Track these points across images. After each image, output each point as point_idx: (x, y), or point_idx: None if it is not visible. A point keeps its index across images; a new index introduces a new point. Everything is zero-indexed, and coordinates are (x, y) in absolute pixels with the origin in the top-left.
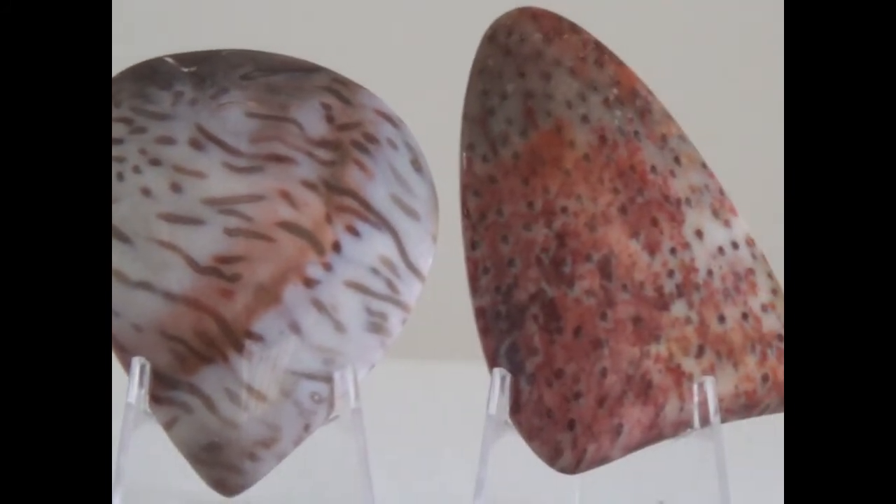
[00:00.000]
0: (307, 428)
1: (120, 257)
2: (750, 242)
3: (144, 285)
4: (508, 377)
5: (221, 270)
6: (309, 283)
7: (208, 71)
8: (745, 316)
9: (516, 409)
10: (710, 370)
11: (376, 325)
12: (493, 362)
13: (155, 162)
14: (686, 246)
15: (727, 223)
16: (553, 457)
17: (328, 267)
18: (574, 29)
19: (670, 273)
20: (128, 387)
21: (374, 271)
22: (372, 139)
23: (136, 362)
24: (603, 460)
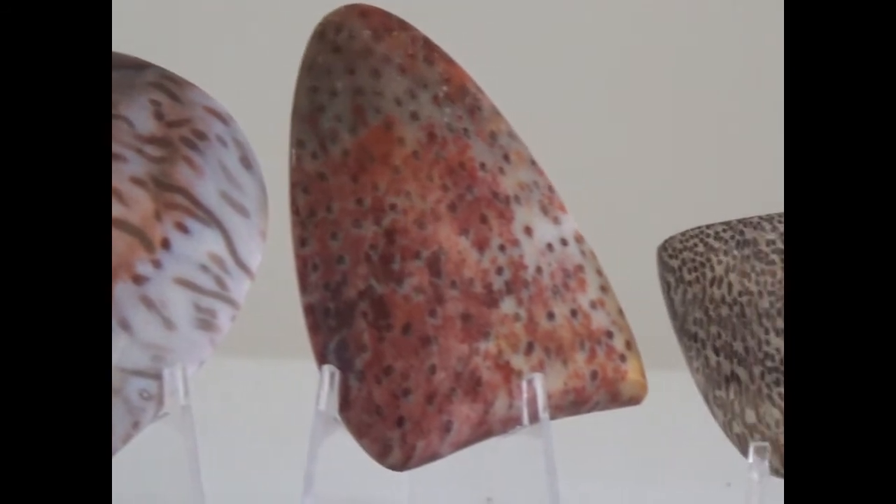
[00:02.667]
0: (136, 425)
1: None
2: (579, 239)
3: None
4: (337, 374)
5: None
6: (138, 279)
7: None
8: (574, 313)
9: (345, 405)
10: (539, 367)
11: (205, 322)
12: (322, 359)
13: None
14: (515, 243)
15: (556, 220)
16: (382, 454)
17: (157, 264)
18: (403, 26)
19: (499, 270)
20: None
21: (204, 268)
22: (201, 136)
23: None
24: (432, 457)
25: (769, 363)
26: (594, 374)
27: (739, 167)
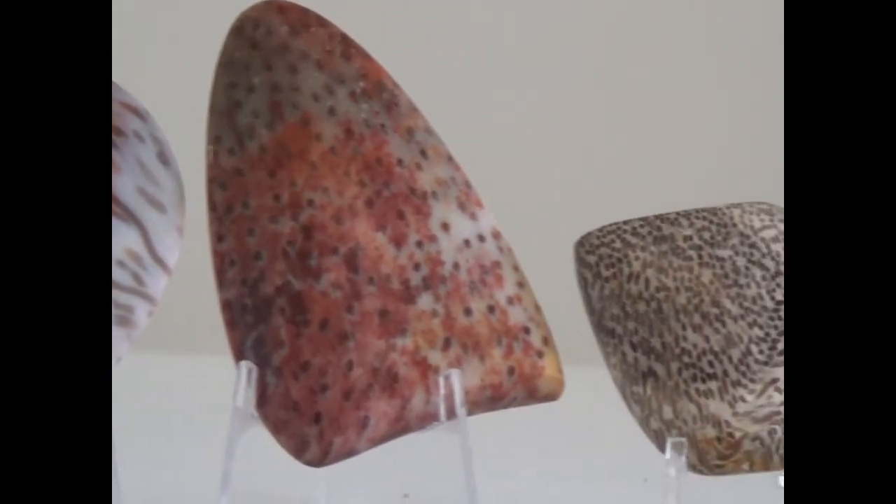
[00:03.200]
0: None
1: None
2: (496, 235)
3: None
4: (255, 370)
5: None
6: None
7: None
8: (491, 309)
9: (263, 401)
10: (457, 363)
11: (122, 318)
12: (239, 355)
13: None
14: (432, 239)
15: (473, 216)
16: (300, 450)
17: None
18: (321, 22)
19: (417, 266)
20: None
21: (121, 264)
22: (118, 132)
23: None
24: (349, 453)
25: (686, 359)
26: (511, 370)
27: (656, 163)
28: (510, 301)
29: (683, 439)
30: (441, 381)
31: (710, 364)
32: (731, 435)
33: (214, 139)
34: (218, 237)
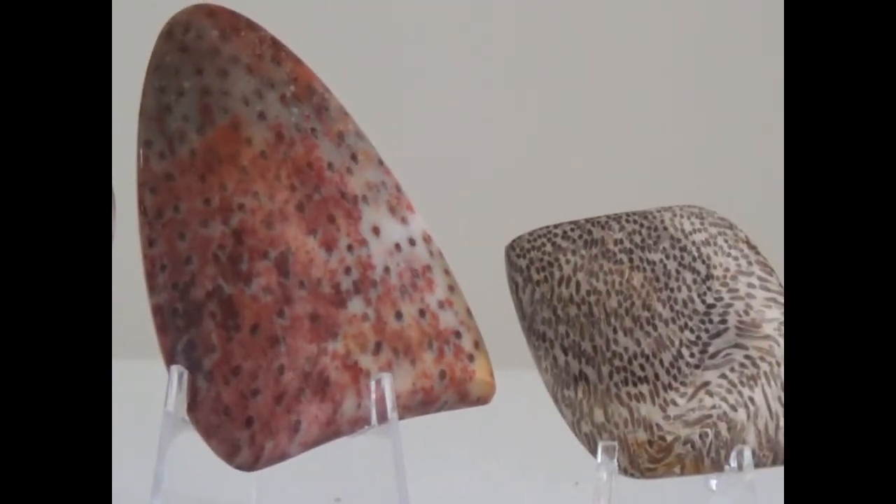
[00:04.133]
0: None
1: None
2: (427, 239)
3: None
4: (186, 374)
5: None
6: None
7: None
8: (422, 313)
9: (194, 406)
10: (388, 367)
11: None
12: (170, 360)
13: None
14: (363, 243)
15: (404, 220)
16: (231, 454)
17: None
18: (251, 26)
19: (347, 270)
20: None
21: None
22: None
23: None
24: (281, 457)
25: (617, 362)
26: (442, 374)
27: (587, 166)
28: (441, 305)
29: (615, 443)
30: (372, 385)
31: (642, 367)
32: (662, 438)
33: (145, 143)
34: (149, 241)
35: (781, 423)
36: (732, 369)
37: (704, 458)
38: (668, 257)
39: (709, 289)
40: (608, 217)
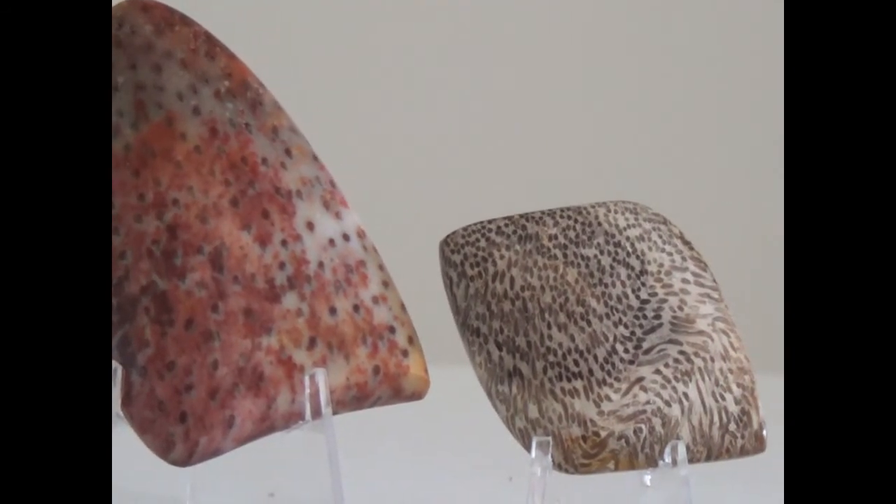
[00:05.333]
0: None
1: None
2: (361, 234)
3: None
4: (120, 370)
5: None
6: None
7: None
8: (356, 308)
9: (128, 401)
10: (322, 362)
11: None
12: None
13: None
14: (297, 238)
15: (338, 215)
16: (165, 449)
17: None
18: (185, 21)
19: (281, 265)
20: None
21: None
22: None
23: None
24: (215, 452)
25: (552, 358)
26: (376, 370)
27: (521, 162)
28: (375, 300)
29: (549, 438)
30: (306, 380)
31: (576, 363)
32: (596, 434)
33: None
34: None
35: (716, 419)
36: (667, 365)
37: (639, 453)
38: (602, 253)
39: (643, 284)
40: (542, 212)
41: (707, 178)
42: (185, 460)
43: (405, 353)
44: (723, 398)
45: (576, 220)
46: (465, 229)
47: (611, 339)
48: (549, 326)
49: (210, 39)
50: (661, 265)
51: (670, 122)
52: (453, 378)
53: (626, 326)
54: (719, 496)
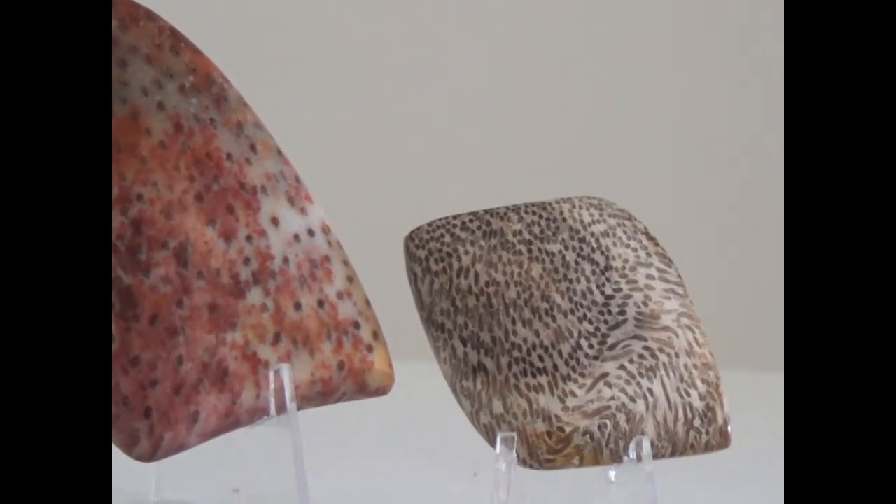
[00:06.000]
0: None
1: None
2: (325, 230)
3: None
4: None
5: None
6: None
7: None
8: (320, 303)
9: None
10: (287, 357)
11: None
12: None
13: None
14: (262, 233)
15: (303, 211)
16: (129, 445)
17: None
18: (150, 16)
19: (246, 260)
20: None
21: None
22: None
23: None
24: (180, 448)
25: (516, 353)
26: (341, 365)
27: (486, 157)
28: (340, 296)
29: (513, 434)
30: (271, 375)
31: (541, 358)
32: (561, 429)
33: None
34: None
35: (680, 415)
36: (631, 360)
37: (603, 449)
38: (567, 248)
39: (608, 280)
40: (507, 208)
41: (706, 175)
42: (150, 455)
43: (370, 349)
44: (687, 394)
45: (540, 216)
46: (429, 224)
47: (575, 334)
48: (513, 322)
49: (175, 35)
50: (625, 261)
51: (651, 121)
52: (418, 373)
53: (590, 322)
54: (684, 492)
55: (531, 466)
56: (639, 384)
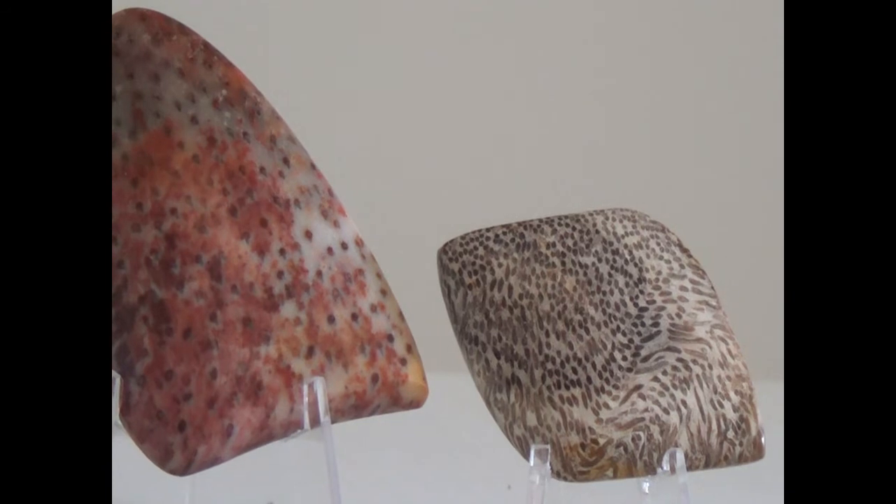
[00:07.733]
0: None
1: None
2: (359, 243)
3: None
4: (118, 379)
5: None
6: None
7: None
8: (354, 316)
9: (126, 410)
10: (320, 371)
11: None
12: None
13: None
14: (295, 247)
15: (336, 224)
16: (164, 458)
17: None
18: (183, 30)
19: (280, 274)
20: None
21: None
22: None
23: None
24: (213, 461)
25: (550, 366)
26: (375, 378)
27: (521, 169)
28: (373, 309)
29: (547, 446)
30: (305, 389)
31: (574, 371)
32: (594, 441)
33: None
34: None
35: (714, 426)
36: (665, 372)
37: (637, 461)
38: (600, 260)
39: (641, 292)
40: (540, 220)
41: (707, 186)
42: (184, 469)
43: (403, 362)
44: (721, 405)
45: (574, 228)
46: (463, 237)
47: (609, 346)
48: (547, 334)
49: (208, 48)
50: (659, 273)
51: (669, 130)
52: (452, 386)
53: (624, 334)
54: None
55: (565, 479)
56: (672, 396)
